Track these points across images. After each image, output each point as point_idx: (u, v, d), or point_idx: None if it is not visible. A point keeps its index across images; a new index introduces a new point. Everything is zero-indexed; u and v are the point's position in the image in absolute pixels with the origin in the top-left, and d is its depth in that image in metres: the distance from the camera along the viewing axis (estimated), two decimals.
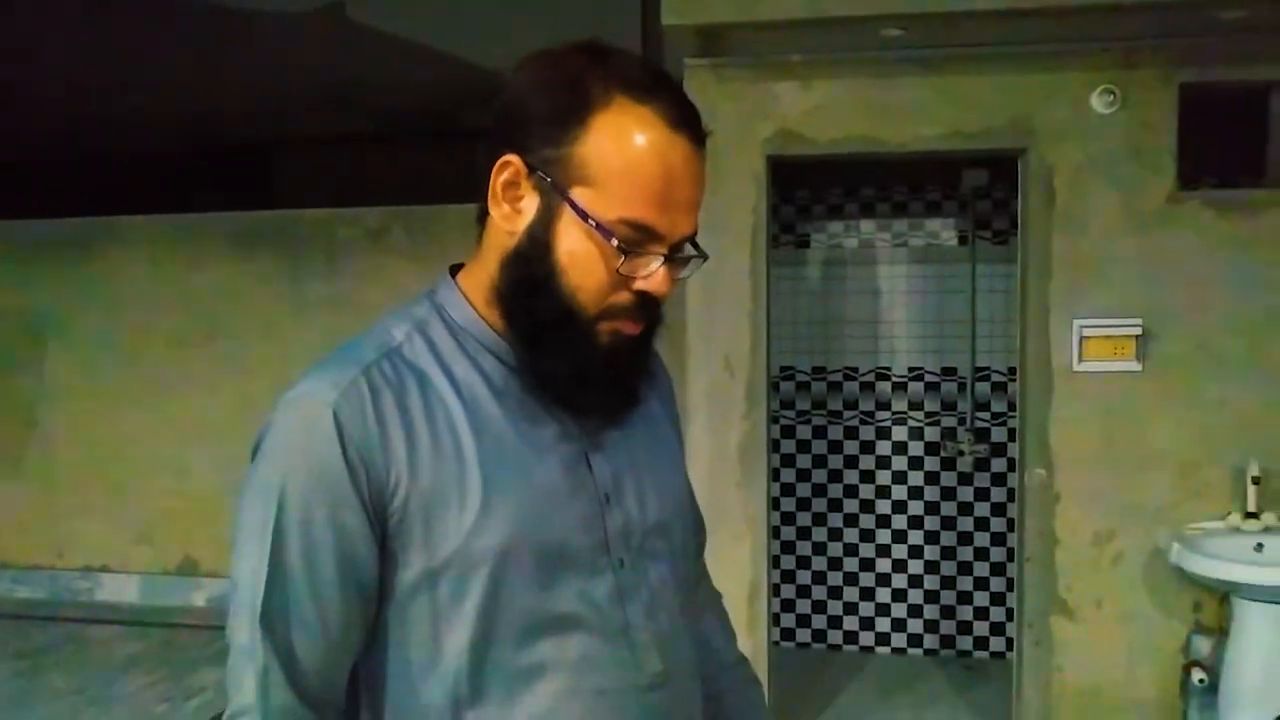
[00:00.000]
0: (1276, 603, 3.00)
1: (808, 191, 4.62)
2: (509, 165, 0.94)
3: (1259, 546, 3.13)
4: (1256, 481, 3.18)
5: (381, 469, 0.90)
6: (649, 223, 0.91)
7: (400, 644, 0.94)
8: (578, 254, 0.92)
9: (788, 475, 4.69)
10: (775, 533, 4.51)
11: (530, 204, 0.94)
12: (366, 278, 4.49)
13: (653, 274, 0.93)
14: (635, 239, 0.92)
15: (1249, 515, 3.19)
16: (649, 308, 0.96)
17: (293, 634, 0.90)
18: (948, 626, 4.61)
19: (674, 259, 0.95)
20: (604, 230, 0.91)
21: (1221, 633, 3.18)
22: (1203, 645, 3.23)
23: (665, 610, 1.03)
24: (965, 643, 4.60)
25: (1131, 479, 3.29)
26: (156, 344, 4.71)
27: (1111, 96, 3.25)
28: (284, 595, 0.90)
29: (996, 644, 4.55)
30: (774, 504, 4.44)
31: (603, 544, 0.98)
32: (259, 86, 4.52)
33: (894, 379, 4.60)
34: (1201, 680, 3.19)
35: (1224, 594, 3.17)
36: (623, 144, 0.91)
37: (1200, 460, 3.27)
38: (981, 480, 4.54)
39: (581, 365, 0.95)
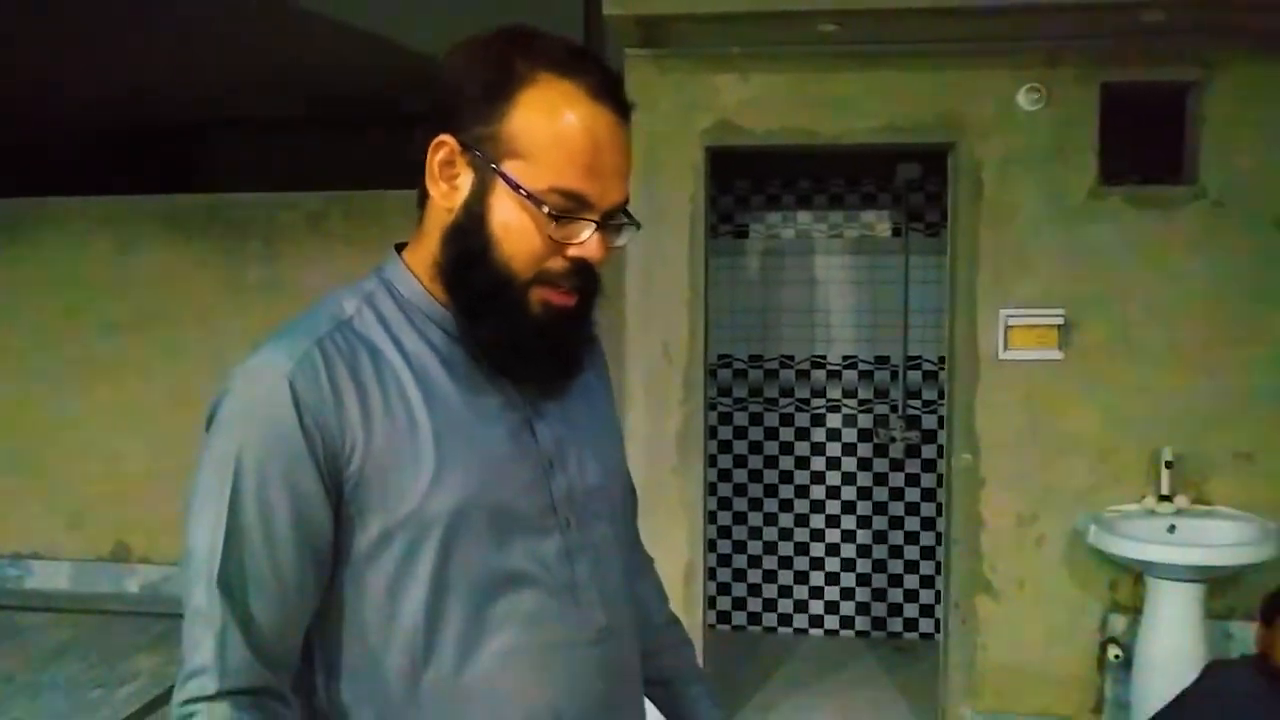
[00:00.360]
0: (1187, 581, 3.14)
1: (746, 182, 4.69)
2: (444, 145, 0.99)
3: (1171, 528, 3.27)
4: (1170, 466, 3.32)
5: (336, 435, 0.94)
6: (579, 190, 0.96)
7: (356, 608, 0.98)
8: (511, 224, 0.97)
9: (724, 461, 4.76)
10: (711, 517, 4.58)
11: (465, 180, 0.99)
12: (305, 263, 4.48)
13: (586, 240, 0.98)
14: (567, 206, 0.96)
15: (1163, 498, 3.33)
16: (584, 275, 1.00)
17: (249, 596, 0.93)
18: (879, 609, 4.73)
19: (607, 226, 1.00)
20: (535, 199, 0.96)
21: (1136, 610, 3.31)
22: (1118, 622, 3.38)
23: (609, 568, 1.09)
24: (896, 625, 4.72)
25: (1053, 463, 3.42)
26: (89, 328, 4.65)
27: (1037, 94, 3.36)
28: (240, 558, 0.93)
29: (926, 626, 4.67)
30: (710, 489, 4.51)
31: (549, 506, 1.03)
32: (197, 68, 4.48)
33: (829, 367, 4.69)
34: (1117, 656, 3.33)
35: (1139, 573, 3.30)
36: (549, 116, 0.95)
37: (1118, 445, 3.40)
38: (912, 466, 4.66)
39: (516, 334, 0.99)
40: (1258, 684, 2.13)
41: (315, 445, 0.93)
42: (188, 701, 0.92)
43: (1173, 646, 3.14)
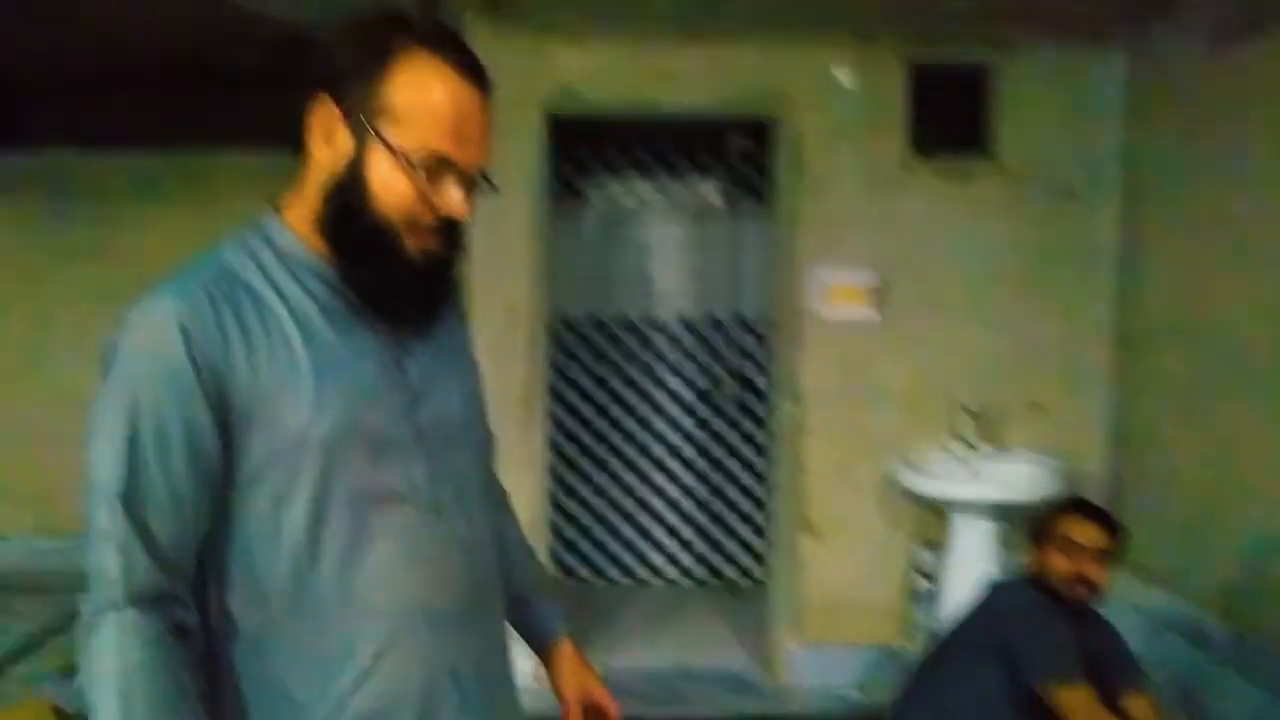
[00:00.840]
0: (986, 518, 3.47)
1: (587, 150, 4.83)
2: (327, 110, 1.12)
3: (974, 470, 3.61)
4: (972, 414, 3.67)
5: (224, 369, 1.06)
6: (446, 152, 1.11)
7: (244, 523, 1.10)
8: (388, 180, 1.11)
9: (567, 420, 4.92)
10: (555, 475, 4.74)
11: (346, 142, 1.12)
12: (136, 225, 4.39)
13: (452, 197, 1.13)
14: (435, 167, 1.11)
15: (965, 443, 3.67)
16: (450, 227, 1.16)
17: (149, 515, 1.04)
18: (716, 558, 5.00)
19: (469, 187, 1.15)
20: (409, 158, 1.10)
21: (941, 546, 3.64)
22: (926, 557, 3.70)
23: (470, 489, 1.25)
24: (731, 572, 5.00)
25: (869, 414, 3.71)
26: None
27: (854, 72, 3.62)
28: (140, 483, 1.04)
29: (760, 572, 4.95)
30: (554, 448, 4.66)
31: (417, 434, 1.18)
32: (19, 21, 4.29)
33: (666, 329, 4.90)
34: (926, 587, 3.66)
35: (944, 511, 3.63)
36: (422, 89, 1.10)
37: (925, 396, 3.72)
38: (744, 422, 4.92)
39: (394, 276, 1.14)
40: (1031, 597, 2.43)
41: (205, 380, 1.05)
42: (98, 611, 1.02)
43: (974, 577, 3.42)
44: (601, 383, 4.93)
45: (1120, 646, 2.52)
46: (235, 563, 1.11)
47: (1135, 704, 2.43)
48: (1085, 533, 2.41)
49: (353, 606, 1.12)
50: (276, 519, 1.10)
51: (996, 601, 2.49)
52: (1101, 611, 2.53)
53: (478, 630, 1.24)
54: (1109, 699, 2.37)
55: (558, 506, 4.82)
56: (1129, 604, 3.46)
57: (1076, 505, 2.53)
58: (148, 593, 1.03)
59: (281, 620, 1.11)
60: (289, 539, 1.10)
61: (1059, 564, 2.42)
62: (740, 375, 4.88)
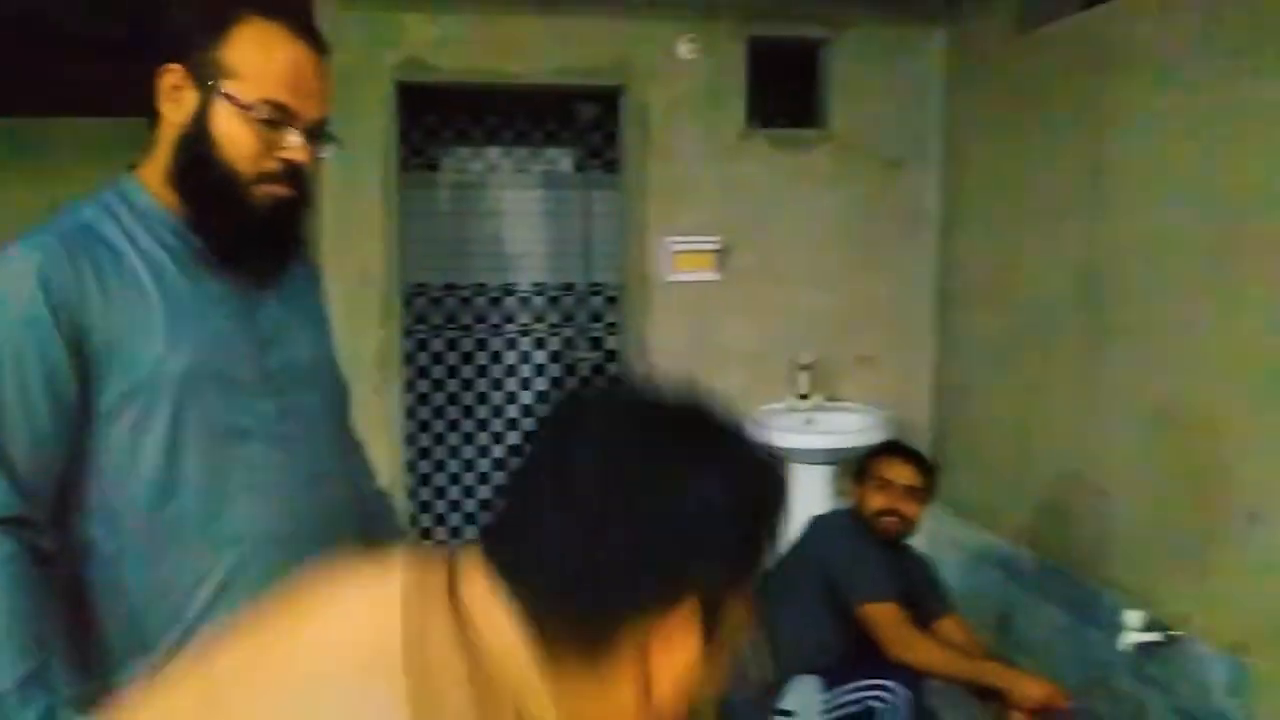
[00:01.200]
0: (822, 464, 3.71)
1: (437, 118, 4.85)
2: (172, 71, 1.23)
3: (809, 420, 3.85)
4: (808, 369, 3.90)
5: (80, 315, 1.15)
6: (283, 101, 1.23)
7: (103, 455, 1.19)
8: (232, 131, 1.22)
9: (423, 386, 4.97)
10: (411, 439, 4.80)
11: (191, 99, 1.23)
12: None
13: (293, 144, 1.24)
14: (275, 116, 1.22)
15: (802, 396, 3.91)
16: (295, 175, 1.27)
17: (9, 445, 1.14)
18: None
19: (310, 136, 1.26)
20: (249, 108, 1.21)
21: None
22: None
23: (319, 427, 1.36)
24: None
25: (713, 371, 3.89)
26: None
27: (695, 45, 3.77)
28: (1, 417, 1.13)
29: None
30: (409, 413, 4.71)
31: (265, 375, 1.28)
32: None
33: (519, 294, 5.00)
34: None
35: (784, 460, 3.85)
36: (260, 48, 1.22)
37: (766, 353, 3.94)
38: (599, 384, 5.06)
39: (241, 222, 1.25)
40: (846, 526, 2.67)
41: (61, 323, 1.15)
42: None
43: None
44: (455, 346, 4.99)
45: (931, 576, 2.78)
46: (94, 492, 1.20)
47: (945, 626, 2.69)
48: (897, 471, 2.65)
49: (205, 535, 1.23)
50: (133, 451, 1.19)
51: (817, 532, 2.72)
52: (915, 545, 2.78)
53: (327, 558, 1.35)
54: (923, 624, 2.62)
55: (413, 469, 4.88)
56: (949, 540, 3.77)
57: (890, 448, 2.78)
58: (4, 515, 1.12)
59: (137, 547, 1.21)
60: (145, 470, 1.20)
61: (874, 500, 2.66)
62: (592, 338, 5.02)
